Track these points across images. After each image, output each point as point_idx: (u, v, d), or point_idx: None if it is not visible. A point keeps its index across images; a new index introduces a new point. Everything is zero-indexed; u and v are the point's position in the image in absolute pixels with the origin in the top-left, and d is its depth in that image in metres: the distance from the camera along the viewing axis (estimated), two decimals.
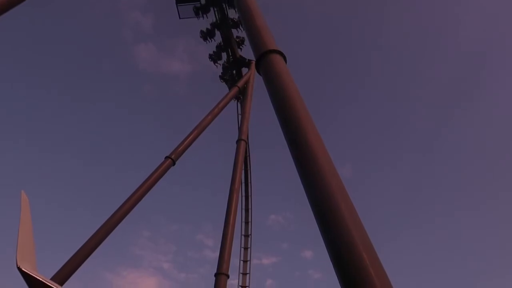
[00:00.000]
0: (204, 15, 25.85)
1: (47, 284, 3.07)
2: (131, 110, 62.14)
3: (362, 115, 63.36)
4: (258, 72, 8.51)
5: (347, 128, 63.32)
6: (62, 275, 11.55)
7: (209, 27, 26.16)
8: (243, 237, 24.44)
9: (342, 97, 65.36)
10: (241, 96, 24.63)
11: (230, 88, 24.62)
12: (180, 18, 26.02)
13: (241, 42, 26.67)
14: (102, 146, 58.27)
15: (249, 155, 26.44)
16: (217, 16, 25.83)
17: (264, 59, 8.22)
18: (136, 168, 52.93)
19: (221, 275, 14.67)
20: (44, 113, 54.49)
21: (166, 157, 16.18)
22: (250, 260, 22.99)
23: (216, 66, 27.21)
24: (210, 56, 27.10)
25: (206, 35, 26.34)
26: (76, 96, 57.84)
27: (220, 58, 27.15)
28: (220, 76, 27.42)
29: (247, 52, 26.93)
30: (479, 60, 54.40)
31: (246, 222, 25.12)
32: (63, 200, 54.63)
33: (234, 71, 26.97)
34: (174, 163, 16.26)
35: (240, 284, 21.67)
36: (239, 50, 26.90)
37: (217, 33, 26.47)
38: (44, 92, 55.15)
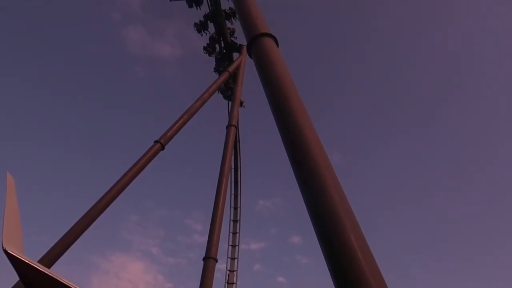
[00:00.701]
0: (198, 7, 25.70)
1: (34, 267, 2.99)
2: (120, 93, 61.35)
3: (352, 101, 63.58)
4: (250, 55, 8.40)
5: (337, 113, 63.54)
6: (49, 258, 11.48)
7: (202, 19, 26.13)
8: (232, 222, 24.52)
9: (333, 83, 65.43)
10: (231, 81, 24.49)
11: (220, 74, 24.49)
12: (170, 0, 25.57)
13: (232, 33, 26.67)
14: (90, 130, 57.69)
15: (239, 141, 26.39)
16: (210, 8, 25.72)
17: (256, 42, 8.11)
18: (124, 152, 52.58)
19: (209, 259, 14.74)
20: (29, 97, 53.54)
21: (155, 142, 16.05)
22: (238, 245, 23.15)
23: (213, 57, 27.27)
24: (205, 48, 27.11)
25: (200, 27, 26.35)
26: (63, 79, 56.84)
27: (215, 50, 27.15)
28: (214, 69, 27.48)
29: (239, 40, 26.93)
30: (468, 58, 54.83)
31: (235, 208, 25.19)
32: (50, 184, 54.14)
33: (227, 63, 26.88)
34: (163, 148, 16.16)
35: (229, 268, 21.82)
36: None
37: (211, 24, 26.41)
38: (30, 75, 54.05)
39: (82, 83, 58.26)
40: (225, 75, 22.82)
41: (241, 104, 26.38)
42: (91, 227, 13.16)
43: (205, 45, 27.01)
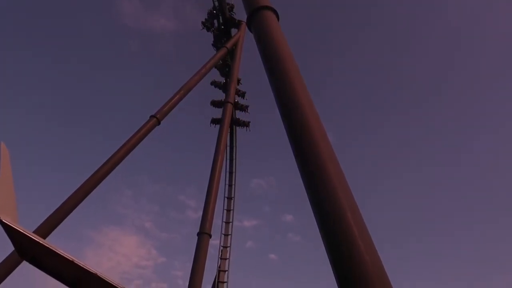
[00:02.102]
0: None
1: (29, 237, 2.97)
2: (114, 67, 60.50)
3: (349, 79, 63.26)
4: (250, 29, 8.24)
5: (334, 89, 63.30)
6: (43, 230, 11.53)
7: None
8: (226, 199, 24.61)
9: (332, 57, 64.96)
10: (229, 57, 24.20)
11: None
12: None
13: (231, 8, 26.11)
14: (85, 104, 57.14)
15: (235, 115, 26.22)
16: None
17: (256, 15, 7.91)
18: (120, 126, 52.26)
19: (203, 234, 14.87)
20: (23, 70, 52.70)
21: (151, 116, 15.96)
22: (232, 222, 23.28)
23: (211, 32, 26.67)
24: (203, 24, 26.53)
25: None
26: (57, 52, 55.86)
27: (213, 26, 26.61)
28: (212, 44, 26.93)
29: (237, 16, 26.42)
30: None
31: (230, 185, 25.19)
32: (45, 157, 53.98)
33: (225, 39, 26.37)
34: (159, 123, 16.08)
35: (222, 244, 22.02)
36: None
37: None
38: (22, 48, 53.04)
39: (72, 55, 57.22)
40: (223, 51, 22.50)
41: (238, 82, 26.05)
42: (85, 200, 13.21)
43: (204, 20, 26.46)
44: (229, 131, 22.24)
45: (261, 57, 7.13)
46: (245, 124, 26.03)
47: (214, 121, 26.23)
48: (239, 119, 25.80)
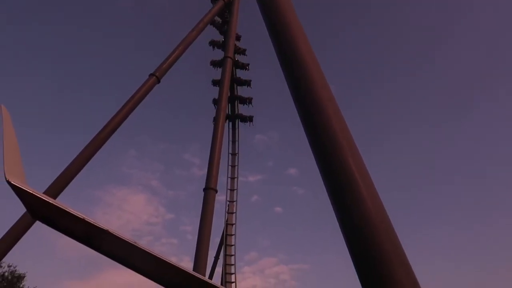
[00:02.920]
0: None
1: (39, 197, 3.01)
2: (108, 24, 58.94)
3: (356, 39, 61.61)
4: None
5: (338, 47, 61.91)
6: (53, 191, 11.77)
7: None
8: (230, 155, 24.78)
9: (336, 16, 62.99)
10: (227, 11, 23.45)
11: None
12: None
13: None
14: (81, 64, 56.32)
15: (235, 73, 25.84)
16: None
17: None
18: (120, 86, 51.80)
19: (209, 189, 15.11)
20: (17, 33, 51.47)
21: (151, 75, 15.74)
22: (237, 177, 23.59)
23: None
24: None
25: None
26: (46, 11, 54.24)
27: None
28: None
29: None
30: None
31: (233, 141, 25.28)
32: (45, 119, 54.02)
33: None
34: (159, 81, 15.89)
35: (228, 199, 22.45)
36: None
37: None
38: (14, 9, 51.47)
39: (66, 14, 55.63)
40: (220, 4, 21.78)
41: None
42: (90, 162, 13.34)
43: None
44: (229, 93, 21.96)
45: (260, 11, 6.83)
46: (249, 119, 25.71)
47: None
48: (241, 114, 25.58)
